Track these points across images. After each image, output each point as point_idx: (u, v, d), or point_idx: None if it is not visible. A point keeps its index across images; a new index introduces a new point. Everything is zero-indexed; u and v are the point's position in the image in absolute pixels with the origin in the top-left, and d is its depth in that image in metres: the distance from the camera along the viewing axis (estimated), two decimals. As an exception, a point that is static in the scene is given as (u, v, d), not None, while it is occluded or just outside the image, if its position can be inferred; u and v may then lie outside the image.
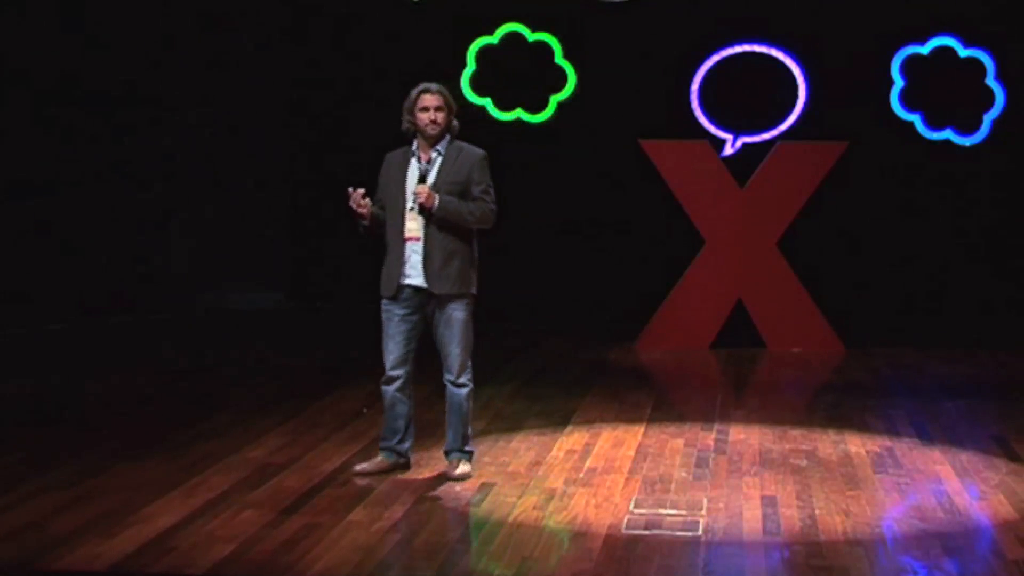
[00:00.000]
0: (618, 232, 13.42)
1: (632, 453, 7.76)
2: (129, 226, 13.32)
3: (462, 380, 7.13)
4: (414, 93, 7.10)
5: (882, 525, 6.40)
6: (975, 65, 12.83)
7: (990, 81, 12.80)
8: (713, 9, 12.99)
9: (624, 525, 6.30)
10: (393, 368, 7.08)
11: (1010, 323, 12.70)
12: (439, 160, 7.01)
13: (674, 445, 7.98)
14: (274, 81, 13.71)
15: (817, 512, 6.53)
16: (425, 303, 7.03)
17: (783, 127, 12.72)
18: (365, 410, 8.77)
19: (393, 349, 7.05)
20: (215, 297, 13.75)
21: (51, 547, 5.86)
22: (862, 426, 8.55)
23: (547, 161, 13.46)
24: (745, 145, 12.64)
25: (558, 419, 8.70)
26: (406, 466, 7.24)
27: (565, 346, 11.86)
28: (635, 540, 6.07)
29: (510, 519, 6.37)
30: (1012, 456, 7.72)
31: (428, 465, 7.39)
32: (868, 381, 10.37)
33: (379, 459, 7.20)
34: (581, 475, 7.25)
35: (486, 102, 13.35)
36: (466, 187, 7.00)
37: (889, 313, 13.09)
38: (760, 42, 12.80)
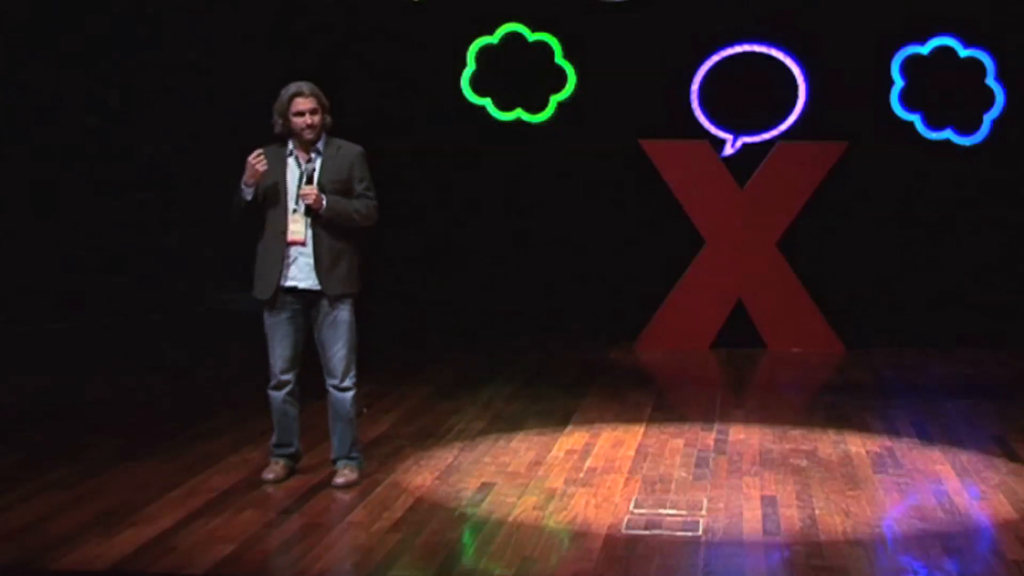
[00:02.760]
0: (618, 232, 13.41)
1: (632, 453, 7.76)
2: (129, 226, 13.31)
3: (347, 383, 6.91)
4: (286, 96, 6.91)
5: (882, 525, 6.40)
6: (975, 65, 12.81)
7: (990, 81, 12.78)
8: (713, 9, 12.98)
9: (624, 525, 6.30)
10: (284, 373, 6.94)
11: (1010, 323, 12.70)
12: (319, 159, 6.87)
13: (674, 445, 7.98)
14: (274, 81, 13.67)
15: (817, 512, 6.53)
16: (310, 305, 6.88)
17: (783, 127, 12.71)
18: (365, 410, 8.76)
19: (281, 354, 6.90)
20: (215, 297, 13.74)
21: (51, 547, 5.86)
22: (862, 426, 8.55)
23: (547, 161, 13.45)
24: (745, 145, 12.63)
25: (558, 419, 8.70)
26: (295, 468, 7.18)
27: (565, 346, 11.86)
28: (635, 540, 6.07)
29: (510, 519, 6.38)
30: (1012, 456, 7.73)
31: (428, 465, 7.39)
32: (868, 381, 10.37)
33: (281, 464, 7.09)
34: (581, 475, 7.25)
35: (486, 102, 13.34)
36: (348, 184, 6.86)
37: (889, 313, 13.09)
38: (760, 42, 12.79)
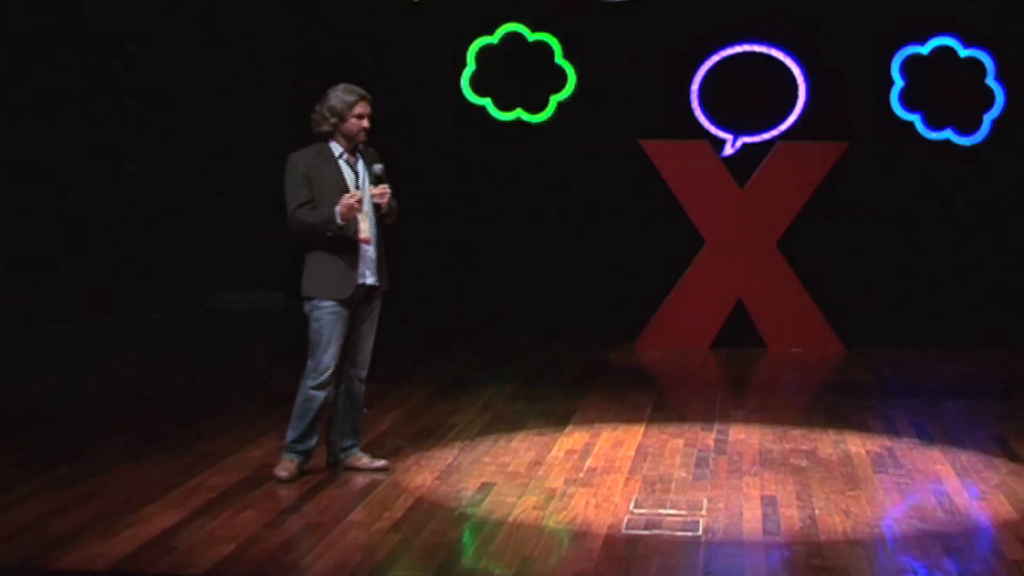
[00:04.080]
0: (618, 232, 13.41)
1: (632, 453, 7.76)
2: (129, 226, 13.32)
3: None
4: (350, 97, 7.00)
5: (882, 525, 6.40)
6: (975, 65, 12.82)
7: (990, 81, 12.79)
8: (713, 9, 12.98)
9: (624, 525, 6.30)
10: (334, 370, 7.02)
11: (1010, 323, 12.70)
12: (361, 160, 7.05)
13: (674, 445, 7.98)
14: (273, 80, 13.71)
15: (817, 512, 6.53)
16: (363, 300, 7.06)
17: (783, 127, 12.72)
18: (365, 409, 8.75)
19: (337, 351, 6.98)
20: (215, 297, 13.75)
21: (51, 547, 5.85)
22: (862, 426, 8.56)
23: (547, 161, 13.45)
24: (745, 145, 12.64)
25: (558, 419, 8.70)
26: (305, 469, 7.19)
27: (565, 346, 11.86)
28: (635, 540, 6.07)
29: (510, 519, 6.37)
30: (1012, 456, 7.73)
31: (428, 465, 7.39)
32: (868, 381, 10.37)
33: (296, 464, 7.06)
34: (581, 475, 7.25)
35: (486, 102, 13.35)
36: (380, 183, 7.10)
37: (889, 313, 13.09)
38: (760, 42, 12.80)
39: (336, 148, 7.01)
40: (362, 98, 7.03)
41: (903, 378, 10.59)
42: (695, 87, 12.86)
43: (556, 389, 9.78)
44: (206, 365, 10.85)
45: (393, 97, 13.65)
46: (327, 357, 6.97)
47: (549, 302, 13.49)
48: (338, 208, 6.81)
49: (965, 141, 12.88)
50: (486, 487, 6.95)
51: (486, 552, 5.92)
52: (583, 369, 10.76)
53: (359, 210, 6.87)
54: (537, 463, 7.49)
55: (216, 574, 5.58)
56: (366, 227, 6.94)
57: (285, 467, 7.06)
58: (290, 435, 7.11)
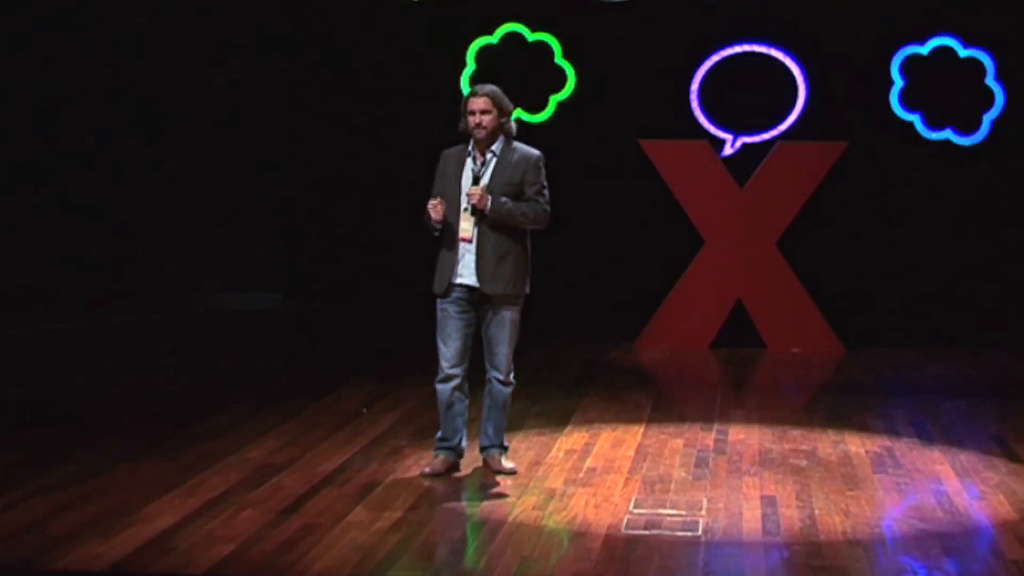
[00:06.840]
0: (618, 232, 13.41)
1: (632, 453, 7.76)
2: (129, 226, 13.33)
3: (510, 378, 7.18)
4: (465, 96, 7.08)
5: (882, 525, 6.40)
6: (975, 65, 12.83)
7: (990, 81, 12.79)
8: (713, 9, 12.99)
9: (624, 525, 6.30)
10: (452, 367, 7.09)
11: (1010, 323, 12.70)
12: (493, 161, 7.05)
13: (674, 445, 7.98)
14: (273, 80, 13.72)
15: (817, 512, 6.53)
16: (478, 302, 7.08)
17: (783, 127, 12.72)
18: (364, 410, 8.78)
19: (451, 347, 7.06)
20: (214, 297, 13.75)
21: (51, 547, 5.86)
22: (862, 426, 8.55)
23: (547, 161, 13.43)
24: (745, 145, 12.64)
25: (558, 419, 8.69)
26: (456, 465, 7.25)
27: (565, 346, 11.86)
28: (635, 540, 6.07)
29: (510, 519, 6.38)
30: (1012, 456, 7.73)
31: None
32: (868, 381, 10.37)
33: (441, 459, 7.19)
34: (581, 475, 7.25)
35: (486, 102, 13.33)
36: (521, 188, 7.05)
37: (889, 313, 13.10)
38: (760, 42, 12.80)
39: (471, 145, 7.07)
40: (472, 94, 7.04)
41: (903, 378, 10.58)
42: (695, 87, 12.86)
43: (556, 389, 9.78)
44: (205, 365, 10.84)
45: (393, 97, 13.68)
46: (443, 351, 7.08)
47: (549, 302, 13.48)
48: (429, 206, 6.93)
49: (965, 141, 12.88)
50: (486, 487, 6.95)
51: (486, 552, 5.92)
52: (583, 369, 10.76)
53: (439, 213, 6.89)
54: (537, 463, 7.49)
55: (216, 574, 5.58)
56: (466, 226, 6.99)
57: (429, 463, 7.18)
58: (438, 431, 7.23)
